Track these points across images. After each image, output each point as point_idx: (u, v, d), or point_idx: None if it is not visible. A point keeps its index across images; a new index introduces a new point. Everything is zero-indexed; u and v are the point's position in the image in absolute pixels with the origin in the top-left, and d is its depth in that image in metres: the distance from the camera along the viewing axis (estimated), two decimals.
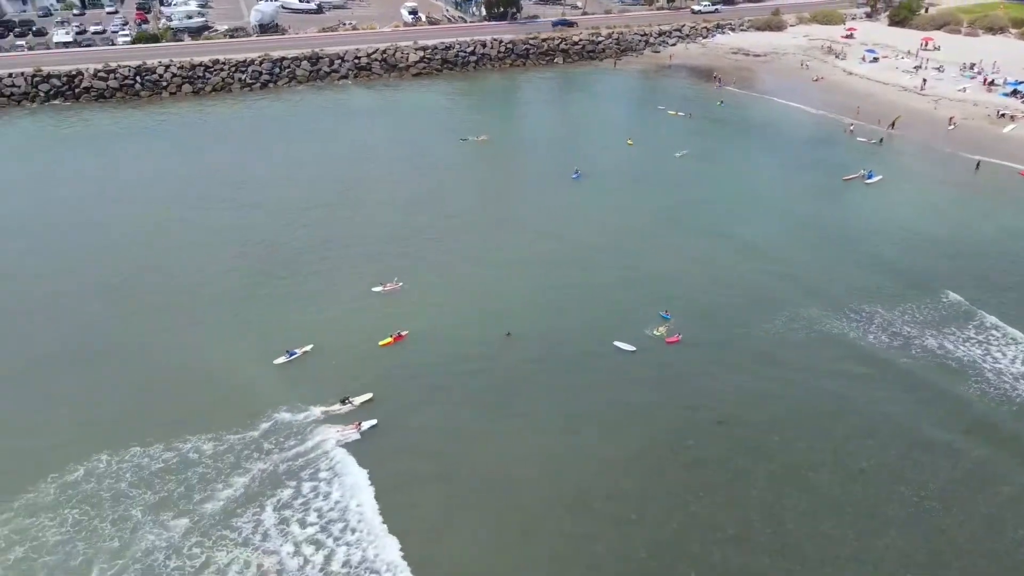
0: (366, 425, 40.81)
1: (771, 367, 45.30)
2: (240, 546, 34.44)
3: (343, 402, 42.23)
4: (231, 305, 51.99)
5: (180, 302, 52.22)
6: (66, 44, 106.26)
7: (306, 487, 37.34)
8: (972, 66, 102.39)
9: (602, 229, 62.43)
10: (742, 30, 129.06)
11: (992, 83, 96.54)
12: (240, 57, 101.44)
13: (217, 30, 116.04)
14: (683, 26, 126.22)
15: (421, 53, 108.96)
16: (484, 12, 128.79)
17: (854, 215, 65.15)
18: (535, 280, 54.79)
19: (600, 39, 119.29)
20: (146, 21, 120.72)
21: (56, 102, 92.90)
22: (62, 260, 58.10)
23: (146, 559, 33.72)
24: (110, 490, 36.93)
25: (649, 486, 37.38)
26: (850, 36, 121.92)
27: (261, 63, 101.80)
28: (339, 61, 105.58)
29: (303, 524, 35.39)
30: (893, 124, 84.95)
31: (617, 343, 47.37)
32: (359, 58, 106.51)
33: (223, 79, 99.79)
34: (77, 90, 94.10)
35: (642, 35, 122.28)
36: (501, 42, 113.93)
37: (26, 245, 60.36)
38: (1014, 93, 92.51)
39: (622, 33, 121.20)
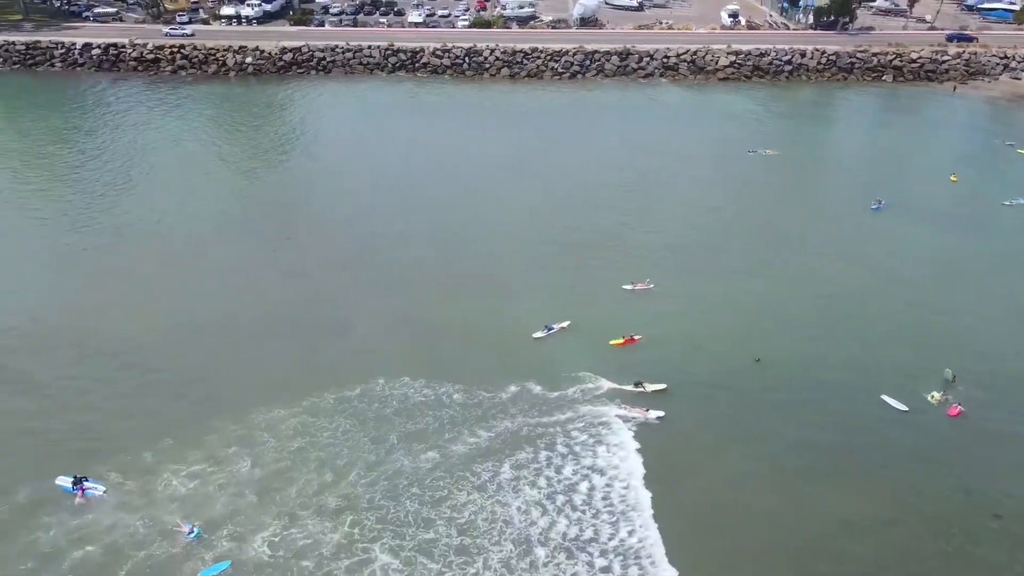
0: (654, 414, 41.93)
1: None
2: (477, 491, 37.70)
3: (636, 385, 43.76)
4: (517, 274, 55.99)
5: (472, 263, 57.84)
6: (416, 24, 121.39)
7: (552, 453, 39.73)
8: None
9: (895, 266, 56.45)
10: None
11: None
12: (556, 47, 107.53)
13: (542, 20, 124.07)
14: None
15: (732, 58, 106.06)
16: (811, 20, 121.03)
17: None
18: (799, 306, 51.51)
19: (945, 58, 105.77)
20: (484, 8, 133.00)
21: (400, 74, 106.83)
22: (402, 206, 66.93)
23: (394, 479, 38.58)
24: (376, 412, 42.72)
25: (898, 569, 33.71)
26: None
27: (574, 54, 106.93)
28: (648, 59, 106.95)
29: (535, 486, 37.79)
30: None
31: (886, 398, 42.76)
32: (668, 57, 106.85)
33: (537, 66, 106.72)
34: (417, 64, 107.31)
35: (1001, 57, 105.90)
36: (823, 53, 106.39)
37: (371, 201, 70.90)
38: None
39: (974, 53, 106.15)
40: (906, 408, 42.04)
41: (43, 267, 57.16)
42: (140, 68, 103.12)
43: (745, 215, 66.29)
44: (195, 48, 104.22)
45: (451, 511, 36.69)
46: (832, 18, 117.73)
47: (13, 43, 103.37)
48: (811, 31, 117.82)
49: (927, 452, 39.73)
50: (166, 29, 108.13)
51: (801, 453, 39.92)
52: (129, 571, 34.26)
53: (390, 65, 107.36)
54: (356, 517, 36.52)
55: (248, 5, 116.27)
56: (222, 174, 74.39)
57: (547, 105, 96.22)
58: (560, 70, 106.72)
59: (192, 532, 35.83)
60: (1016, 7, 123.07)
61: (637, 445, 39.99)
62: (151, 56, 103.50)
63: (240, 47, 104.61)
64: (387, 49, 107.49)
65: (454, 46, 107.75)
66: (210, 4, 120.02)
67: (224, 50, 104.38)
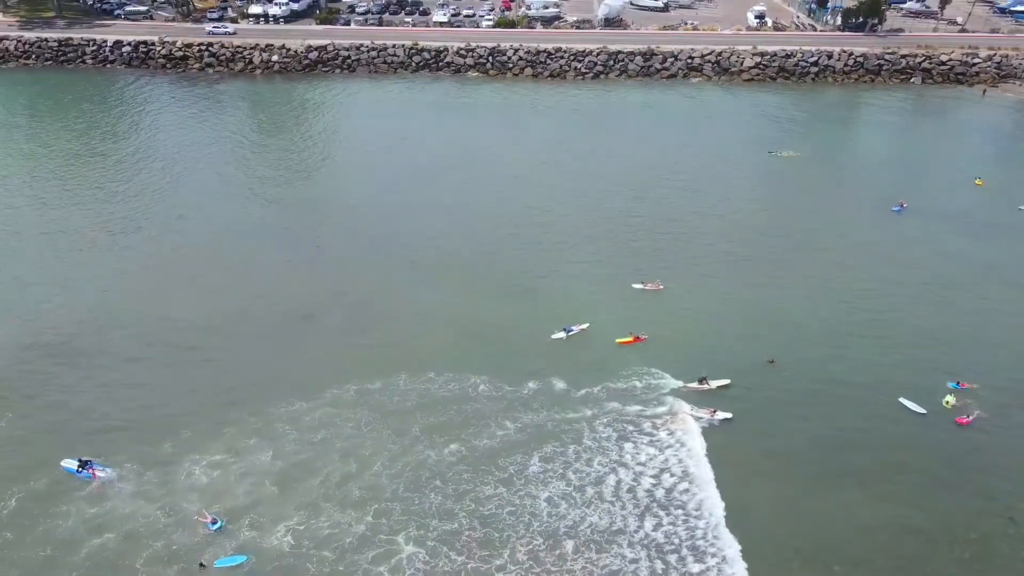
0: (720, 415, 41.95)
1: None
2: (502, 485, 37.96)
3: (700, 382, 43.95)
4: (537, 272, 56.47)
5: (494, 259, 58.20)
6: (441, 24, 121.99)
7: (578, 447, 39.95)
8: None
9: (914, 271, 56.02)
10: None
11: None
12: (580, 47, 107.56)
13: (566, 20, 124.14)
14: None
15: (757, 59, 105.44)
16: (839, 21, 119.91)
17: None
18: (816, 310, 51.20)
19: (977, 60, 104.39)
20: (509, 8, 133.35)
21: (423, 73, 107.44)
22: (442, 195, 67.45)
23: (417, 471, 38.97)
24: (398, 405, 43.15)
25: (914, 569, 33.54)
26: None
27: (598, 55, 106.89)
28: (672, 59, 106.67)
29: (565, 478, 38.05)
30: None
31: (904, 400, 42.51)
32: (692, 58, 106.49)
33: (560, 66, 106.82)
34: (440, 64, 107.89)
35: None
36: (851, 55, 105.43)
37: (402, 195, 71.53)
38: None
39: (1007, 56, 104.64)
40: (924, 411, 41.80)
41: (66, 258, 58.34)
42: (169, 65, 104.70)
43: (762, 216, 66.00)
44: (223, 46, 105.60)
45: (474, 504, 37.03)
46: (861, 19, 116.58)
47: (46, 40, 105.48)
48: (839, 33, 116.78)
49: (944, 452, 39.66)
50: (209, 27, 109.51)
51: (814, 454, 39.77)
52: (147, 559, 34.66)
53: (414, 64, 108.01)
54: (380, 506, 36.93)
55: (276, 4, 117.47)
56: (248, 173, 75.34)
57: (570, 104, 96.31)
58: (583, 70, 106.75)
59: (216, 524, 36.07)
60: None
61: (684, 442, 40.34)
62: (179, 54, 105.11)
63: (267, 45, 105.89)
64: (411, 48, 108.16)
65: (478, 45, 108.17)
66: (238, 3, 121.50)
67: (251, 48, 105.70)
